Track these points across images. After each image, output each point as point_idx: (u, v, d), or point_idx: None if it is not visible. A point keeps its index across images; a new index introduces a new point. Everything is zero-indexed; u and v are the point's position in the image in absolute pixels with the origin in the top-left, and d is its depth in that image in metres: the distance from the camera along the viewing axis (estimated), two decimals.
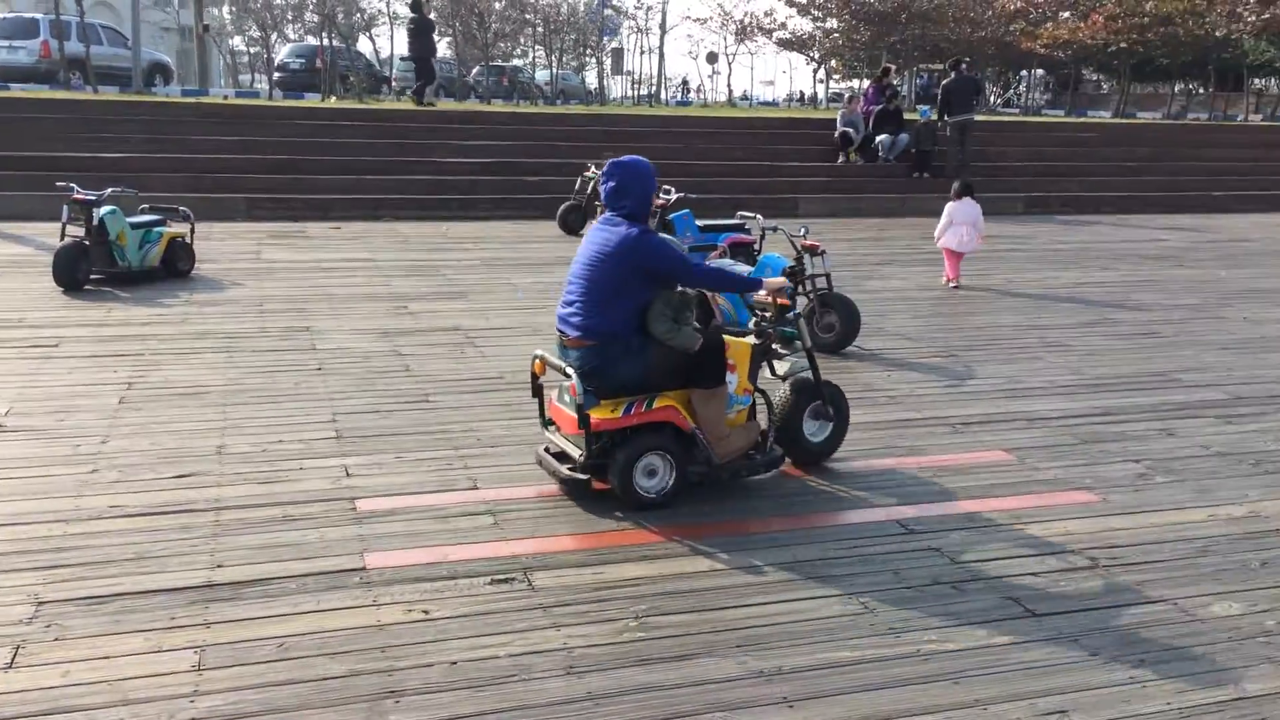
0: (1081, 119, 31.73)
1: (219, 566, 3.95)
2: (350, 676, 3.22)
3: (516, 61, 47.90)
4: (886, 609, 3.74)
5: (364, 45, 50.35)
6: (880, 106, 18.84)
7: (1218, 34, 31.70)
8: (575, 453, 4.66)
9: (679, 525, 4.43)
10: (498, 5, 48.03)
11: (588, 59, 51.43)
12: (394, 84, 37.64)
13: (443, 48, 45.11)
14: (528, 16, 45.69)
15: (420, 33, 19.92)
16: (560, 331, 4.78)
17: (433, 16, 23.07)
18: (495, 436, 5.58)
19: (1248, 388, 6.89)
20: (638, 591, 3.83)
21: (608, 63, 48.29)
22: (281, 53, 38.03)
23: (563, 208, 14.21)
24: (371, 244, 12.69)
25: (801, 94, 65.22)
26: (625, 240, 4.61)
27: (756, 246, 9.67)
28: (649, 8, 46.85)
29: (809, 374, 5.16)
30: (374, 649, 3.38)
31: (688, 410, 4.64)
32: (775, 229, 8.86)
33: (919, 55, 41.09)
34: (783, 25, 45.44)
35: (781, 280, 5.09)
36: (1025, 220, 16.79)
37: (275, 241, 12.67)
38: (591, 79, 48.60)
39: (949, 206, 10.49)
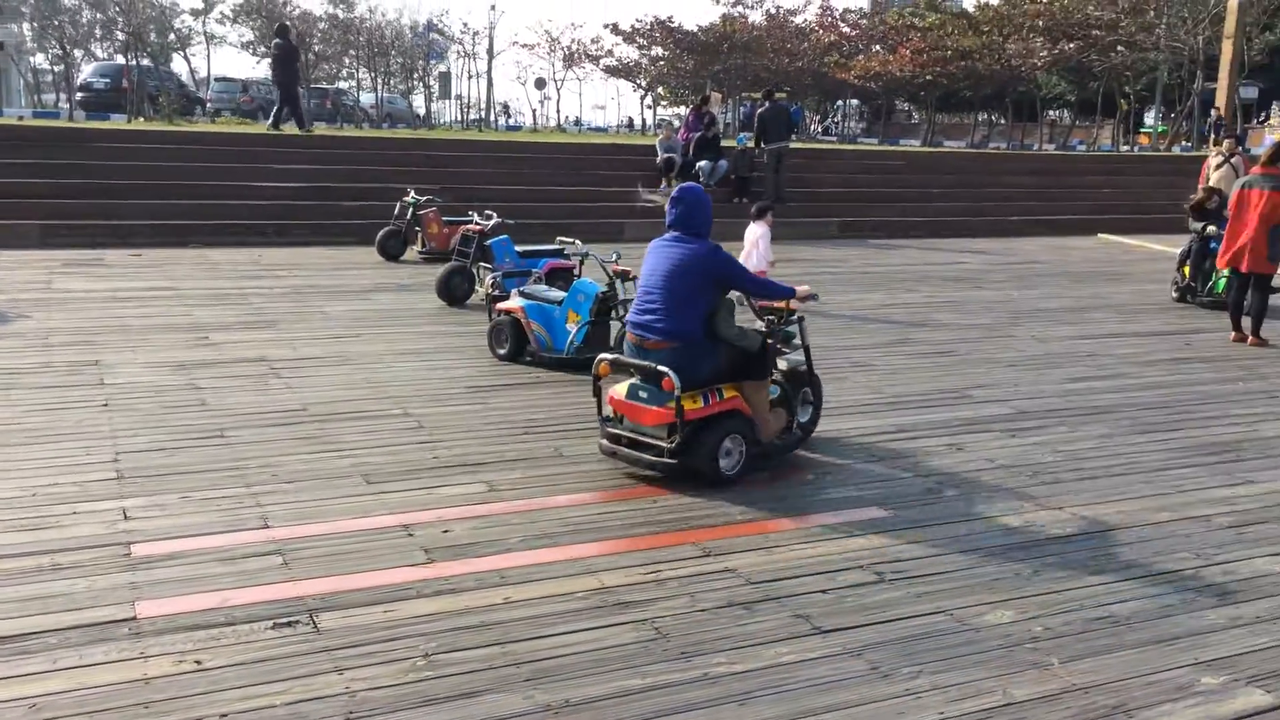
0: (893, 147, 33.27)
1: None
2: None
3: (341, 84, 46.87)
4: (680, 633, 3.76)
5: (178, 65, 48.34)
6: (699, 133, 19.25)
7: (1013, 67, 33.79)
8: (656, 443, 5.31)
9: (478, 557, 4.36)
10: (321, 26, 46.96)
11: (415, 83, 50.85)
12: (208, 104, 36.28)
13: (262, 70, 43.71)
14: (351, 38, 44.77)
15: (286, 59, 19.44)
16: (640, 336, 5.44)
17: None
18: (293, 472, 5.37)
19: (1031, 402, 7.30)
20: (429, 629, 3.73)
21: (435, 87, 47.85)
22: (85, 72, 36.03)
23: (382, 233, 13.92)
24: (176, 272, 12.12)
25: (630, 120, 66.26)
26: (701, 254, 5.40)
27: (576, 271, 9.70)
28: (476, 32, 46.60)
29: (803, 367, 6.06)
30: (137, 705, 3.18)
31: (746, 398, 5.49)
32: (587, 255, 8.90)
33: (740, 84, 42.26)
34: (609, 52, 46.03)
35: (808, 288, 5.98)
36: (840, 244, 17.43)
37: (70, 270, 11.94)
38: (419, 103, 48.05)
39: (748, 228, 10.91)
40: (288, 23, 24.22)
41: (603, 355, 5.64)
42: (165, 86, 33.03)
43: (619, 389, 5.52)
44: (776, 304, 5.82)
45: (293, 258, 13.68)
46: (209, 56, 58.79)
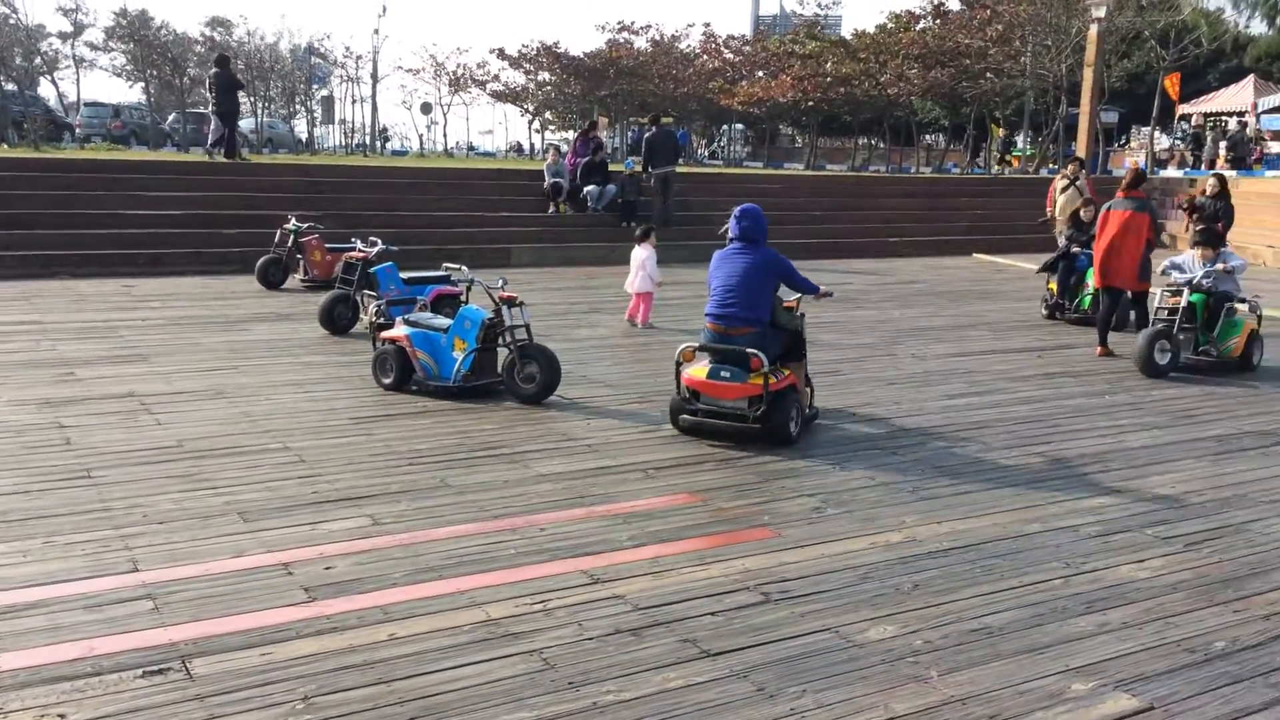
0: (777, 170, 33.95)
1: None
2: None
3: None
4: (567, 663, 3.73)
5: (45, 89, 46.51)
6: (586, 158, 19.33)
7: (889, 93, 34.84)
8: (738, 413, 6.59)
9: (361, 593, 4.26)
10: (197, 49, 45.79)
11: (297, 107, 49.94)
12: (78, 130, 35.02)
13: (135, 94, 42.34)
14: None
15: (228, 89, 19.48)
16: (724, 325, 6.75)
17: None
18: (164, 512, 5.18)
19: (912, 420, 7.49)
20: (309, 670, 3.63)
21: (318, 111, 47.06)
22: None
23: (262, 261, 13.60)
24: (40, 304, 11.61)
25: (518, 144, 66.16)
26: (769, 258, 6.84)
27: (463, 298, 9.61)
28: (359, 57, 45.96)
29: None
30: None
31: (795, 377, 6.84)
32: (473, 281, 8.82)
33: (628, 109, 42.63)
34: (496, 77, 45.95)
35: (828, 287, 7.45)
36: None
37: None
38: (301, 127, 47.19)
39: (633, 251, 11.07)
40: (227, 54, 24.73)
41: (687, 344, 7.01)
42: (31, 112, 31.81)
43: (697, 371, 6.73)
44: (791, 301, 7.16)
45: (167, 288, 13.24)
46: (78, 81, 56.74)
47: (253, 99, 42.76)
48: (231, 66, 20.62)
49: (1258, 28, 39.03)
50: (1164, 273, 9.87)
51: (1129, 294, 10.30)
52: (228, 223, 16.10)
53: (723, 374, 6.62)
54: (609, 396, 8.01)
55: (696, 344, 6.95)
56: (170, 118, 40.33)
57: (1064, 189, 16.05)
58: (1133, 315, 10.52)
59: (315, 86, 47.24)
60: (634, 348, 10.12)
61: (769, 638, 3.97)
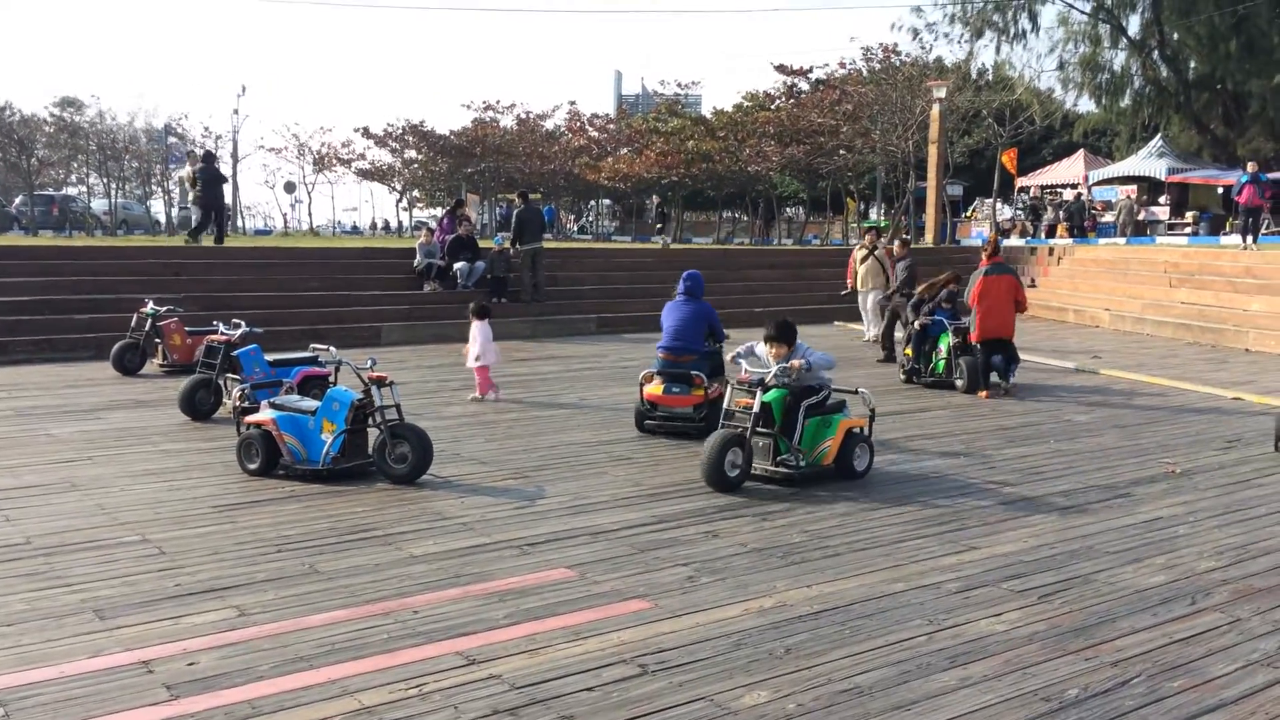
0: (645, 244, 34.55)
1: None
2: None
3: (69, 190, 44.20)
4: None
5: None
6: (454, 235, 19.38)
7: (750, 169, 36.03)
8: (687, 417, 9.31)
9: (227, 688, 4.13)
10: (46, 130, 44.27)
11: (153, 187, 48.61)
12: None
13: None
14: (81, 143, 42.46)
15: (214, 181, 20.66)
16: (673, 354, 9.52)
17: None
18: (14, 613, 4.93)
19: (780, 485, 7.67)
20: None
21: (175, 192, 45.85)
22: None
23: (118, 346, 13.14)
24: None
25: (386, 222, 65.70)
26: (704, 309, 9.72)
27: (331, 379, 9.47)
28: (219, 136, 45.09)
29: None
30: None
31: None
32: (341, 362, 8.72)
33: (495, 186, 42.92)
34: (362, 156, 45.67)
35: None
36: (598, 339, 17.84)
37: None
38: (159, 208, 45.89)
39: (472, 326, 11.21)
40: (211, 149, 27.53)
41: (647, 370, 9.61)
42: None
43: (655, 389, 9.39)
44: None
45: (14, 377, 12.65)
46: None
47: (106, 180, 41.55)
48: (216, 163, 22.42)
49: (1085, 105, 41.90)
50: (734, 360, 8.30)
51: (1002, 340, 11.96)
52: (80, 308, 15.52)
53: (674, 389, 9.33)
54: (483, 473, 7.98)
55: (654, 369, 9.49)
56: (17, 200, 38.74)
57: (863, 259, 16.26)
58: (997, 359, 11.99)
59: (173, 166, 46.07)
60: (507, 423, 10.11)
61: (647, 709, 4.00)
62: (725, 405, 7.91)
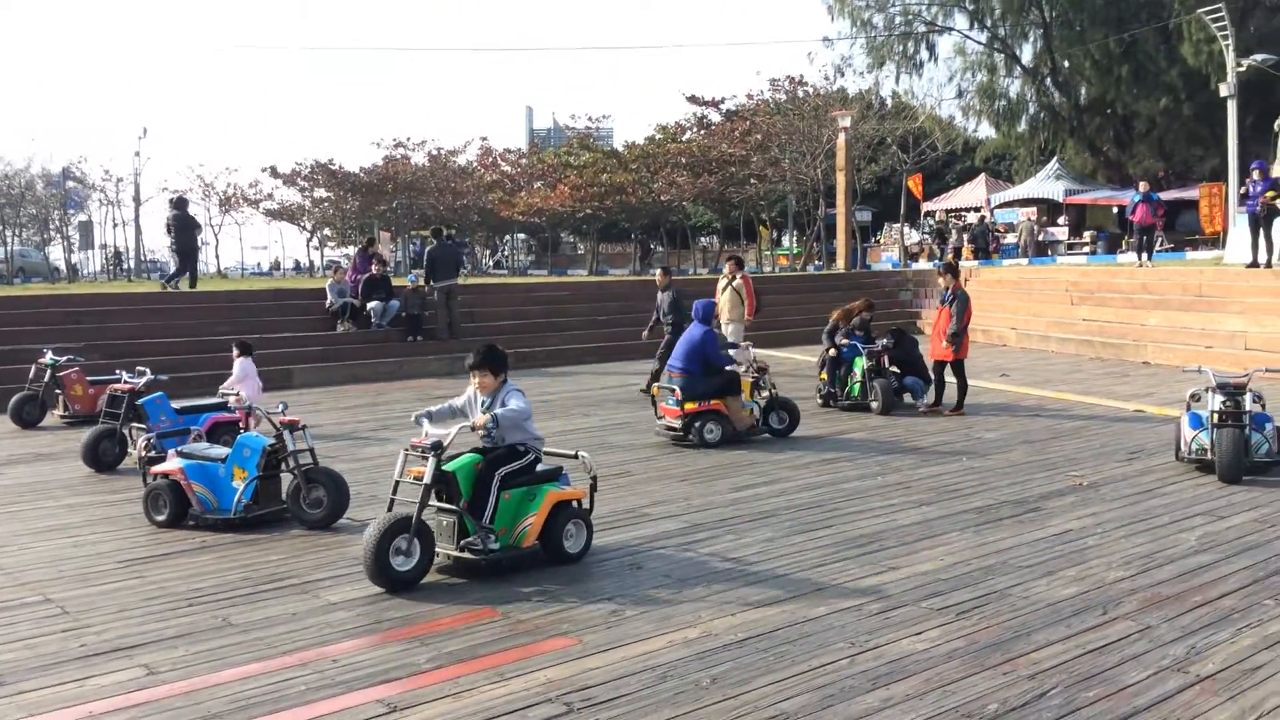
0: (561, 278, 34.58)
1: None
2: None
3: None
4: None
5: None
6: (367, 275, 19.16)
7: (663, 200, 36.35)
8: (677, 426, 10.66)
9: None
10: None
11: (52, 234, 47.18)
12: None
13: None
14: None
15: (187, 228, 21.00)
16: (670, 374, 11.10)
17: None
18: None
19: (702, 514, 7.70)
20: None
21: (76, 237, 44.61)
22: None
23: (16, 399, 12.70)
24: None
25: (296, 262, 64.62)
26: (705, 333, 11.06)
27: (243, 425, 9.25)
28: (120, 179, 43.94)
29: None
30: None
31: (725, 405, 10.70)
32: (252, 407, 8.53)
33: (408, 223, 42.59)
34: (270, 195, 44.96)
35: (738, 355, 11.75)
36: (516, 375, 17.45)
37: None
38: (58, 255, 44.57)
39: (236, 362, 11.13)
40: (185, 196, 27.04)
41: (657, 383, 11.80)
42: None
43: (664, 400, 10.97)
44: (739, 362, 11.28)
45: None
46: None
47: (1, 227, 40.20)
48: (189, 209, 22.62)
49: (985, 130, 43.17)
50: (416, 421, 6.64)
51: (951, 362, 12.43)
52: None
53: (667, 402, 10.93)
54: None
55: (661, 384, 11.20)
56: None
57: (723, 289, 15.43)
58: (952, 378, 12.52)
59: (72, 211, 44.79)
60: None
61: None
62: (395, 476, 6.32)
